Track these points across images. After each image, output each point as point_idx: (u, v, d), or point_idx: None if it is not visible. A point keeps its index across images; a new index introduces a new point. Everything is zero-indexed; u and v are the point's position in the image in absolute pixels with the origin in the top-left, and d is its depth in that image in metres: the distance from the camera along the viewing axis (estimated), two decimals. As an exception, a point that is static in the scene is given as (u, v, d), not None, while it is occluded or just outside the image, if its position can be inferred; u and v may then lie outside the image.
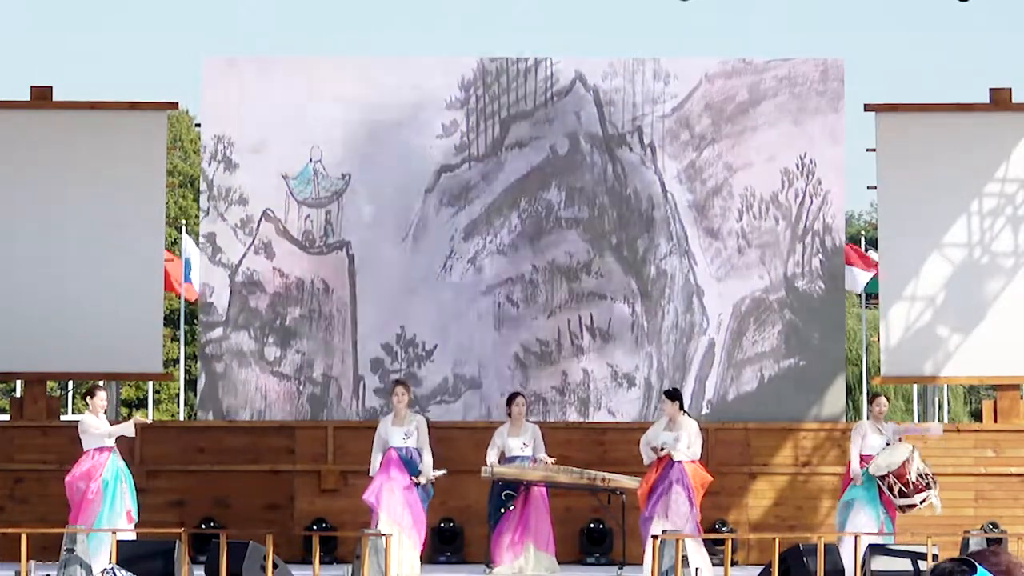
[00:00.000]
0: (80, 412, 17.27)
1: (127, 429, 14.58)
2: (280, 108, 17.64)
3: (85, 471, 14.42)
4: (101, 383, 15.57)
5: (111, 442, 14.46)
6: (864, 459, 14.87)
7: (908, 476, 14.60)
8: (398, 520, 14.62)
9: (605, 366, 17.49)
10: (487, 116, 17.73)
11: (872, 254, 22.86)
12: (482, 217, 17.68)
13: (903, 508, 14.77)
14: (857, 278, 26.57)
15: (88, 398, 14.75)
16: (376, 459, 14.97)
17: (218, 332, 17.54)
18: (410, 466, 14.75)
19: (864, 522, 14.62)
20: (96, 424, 14.49)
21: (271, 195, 17.69)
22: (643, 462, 15.06)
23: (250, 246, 17.66)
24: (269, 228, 17.67)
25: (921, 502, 14.68)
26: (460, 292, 17.57)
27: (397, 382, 15.41)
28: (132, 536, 14.18)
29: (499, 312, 17.54)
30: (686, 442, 14.77)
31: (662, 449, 14.75)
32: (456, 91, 17.74)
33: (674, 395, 15.16)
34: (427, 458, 14.87)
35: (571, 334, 17.53)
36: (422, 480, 14.81)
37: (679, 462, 14.71)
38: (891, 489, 14.64)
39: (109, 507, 14.30)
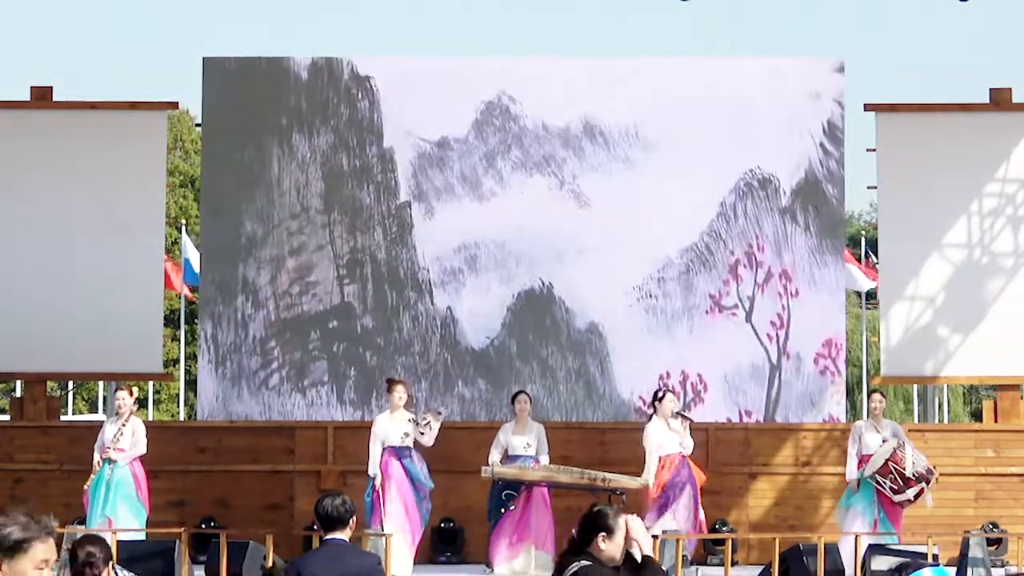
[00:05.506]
0: (81, 412, 17.29)
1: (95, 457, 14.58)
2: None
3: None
4: (129, 383, 15.58)
5: (113, 447, 14.46)
6: (863, 460, 14.84)
7: (904, 469, 14.55)
8: (387, 517, 14.37)
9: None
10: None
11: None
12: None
13: (901, 504, 14.73)
14: (857, 280, 26.52)
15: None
16: (375, 453, 14.53)
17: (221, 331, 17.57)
18: (408, 467, 14.56)
19: (859, 527, 14.57)
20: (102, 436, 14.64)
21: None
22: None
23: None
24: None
25: (915, 496, 14.64)
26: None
27: (395, 380, 15.15)
28: (142, 536, 14.18)
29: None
30: (690, 441, 14.93)
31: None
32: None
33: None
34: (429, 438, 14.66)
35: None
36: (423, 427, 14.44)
37: (687, 462, 14.80)
38: (886, 486, 14.60)
39: (92, 512, 14.31)
